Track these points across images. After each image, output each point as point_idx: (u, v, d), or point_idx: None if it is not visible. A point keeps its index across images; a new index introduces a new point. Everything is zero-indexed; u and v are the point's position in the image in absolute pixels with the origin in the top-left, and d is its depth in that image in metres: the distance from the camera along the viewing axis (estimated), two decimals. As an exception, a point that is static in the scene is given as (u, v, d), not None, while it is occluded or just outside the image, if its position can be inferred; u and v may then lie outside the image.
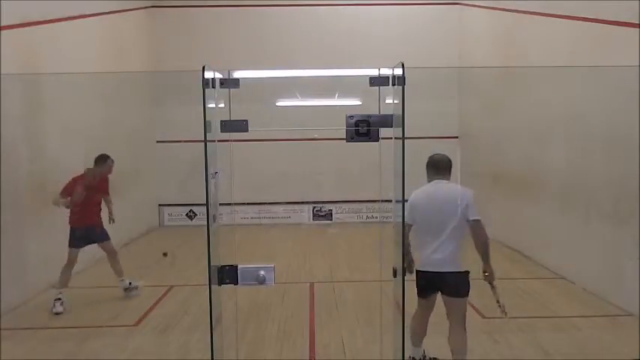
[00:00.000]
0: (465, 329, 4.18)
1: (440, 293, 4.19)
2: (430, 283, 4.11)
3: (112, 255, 6.68)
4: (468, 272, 4.12)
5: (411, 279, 2.89)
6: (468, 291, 4.15)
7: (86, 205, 6.28)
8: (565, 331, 5.27)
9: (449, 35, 12.27)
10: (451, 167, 4.19)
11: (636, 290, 5.38)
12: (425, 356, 4.43)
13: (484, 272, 4.19)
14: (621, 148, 5.90)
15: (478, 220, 4.02)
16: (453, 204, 4.02)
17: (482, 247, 4.13)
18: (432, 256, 4.06)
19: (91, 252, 8.49)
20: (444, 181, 4.14)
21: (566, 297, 6.29)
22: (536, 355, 4.71)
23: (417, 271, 4.14)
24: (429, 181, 4.17)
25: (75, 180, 6.22)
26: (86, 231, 6.35)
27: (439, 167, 4.15)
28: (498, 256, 8.75)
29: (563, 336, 5.15)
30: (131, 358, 4.79)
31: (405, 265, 4.10)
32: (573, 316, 5.69)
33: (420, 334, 4.41)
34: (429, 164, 4.19)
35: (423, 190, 4.16)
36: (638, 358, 4.45)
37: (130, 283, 6.72)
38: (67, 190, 6.14)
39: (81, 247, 6.35)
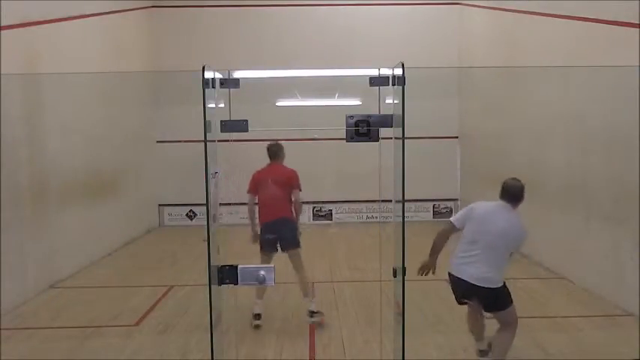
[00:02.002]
0: (511, 333, 4.23)
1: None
2: (467, 292, 4.27)
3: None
4: (504, 285, 4.23)
5: (411, 279, 2.89)
6: (511, 301, 4.23)
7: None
8: (565, 331, 5.27)
9: (449, 35, 12.27)
10: (523, 196, 4.33)
11: (636, 290, 5.38)
12: (490, 346, 4.43)
13: None
14: (621, 148, 5.90)
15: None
16: (516, 233, 4.20)
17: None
18: (476, 270, 4.20)
19: (90, 251, 8.52)
20: (511, 208, 4.27)
21: (566, 297, 6.29)
22: (536, 355, 4.71)
23: (454, 277, 4.35)
24: (499, 200, 4.30)
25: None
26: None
27: (511, 194, 4.28)
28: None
29: (563, 336, 5.15)
30: (131, 358, 4.79)
31: (429, 263, 4.24)
32: (573, 316, 5.69)
33: (476, 333, 4.50)
34: (504, 189, 4.32)
35: (489, 205, 4.31)
36: (638, 358, 4.45)
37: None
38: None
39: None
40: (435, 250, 4.36)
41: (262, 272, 2.66)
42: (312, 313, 5.47)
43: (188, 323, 5.65)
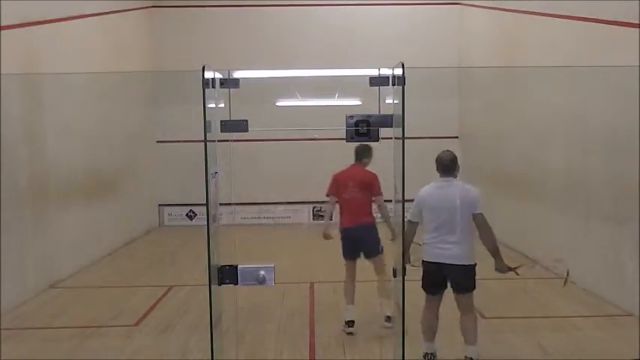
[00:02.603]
0: (475, 316, 4.35)
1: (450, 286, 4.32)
2: (439, 275, 4.23)
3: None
4: (475, 265, 4.27)
5: (411, 279, 2.90)
6: (475, 285, 4.28)
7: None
8: (565, 331, 5.27)
9: (449, 35, 12.26)
10: (457, 164, 4.33)
11: (636, 290, 5.38)
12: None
13: (496, 268, 4.33)
14: (621, 148, 5.90)
15: (481, 214, 4.20)
16: (462, 201, 4.18)
17: (489, 241, 4.27)
18: (445, 250, 4.20)
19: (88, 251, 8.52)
20: (452, 179, 4.29)
21: (566, 297, 6.29)
22: (536, 355, 4.71)
23: (426, 263, 4.24)
24: (439, 178, 4.31)
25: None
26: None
27: (446, 165, 4.28)
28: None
29: (563, 336, 5.14)
30: (131, 358, 4.79)
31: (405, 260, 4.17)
32: (573, 316, 5.69)
33: (432, 331, 4.49)
34: (437, 162, 4.31)
35: (432, 187, 4.31)
36: (638, 358, 4.45)
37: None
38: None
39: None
40: (406, 249, 4.24)
41: (262, 272, 2.67)
42: (388, 318, 5.16)
43: (188, 323, 5.65)
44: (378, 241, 5.35)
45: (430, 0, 12.38)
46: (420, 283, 4.30)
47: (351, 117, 2.79)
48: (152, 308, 6.20)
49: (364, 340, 5.07)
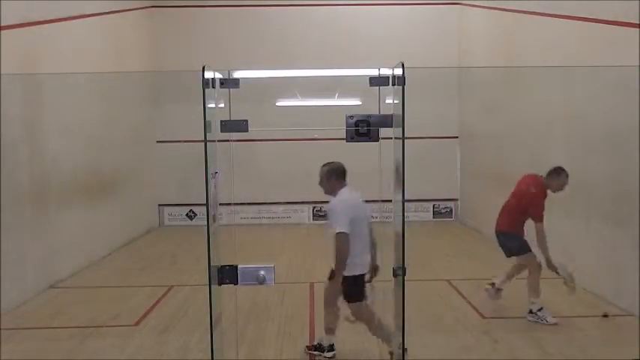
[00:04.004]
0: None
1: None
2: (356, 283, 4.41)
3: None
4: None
5: (411, 279, 2.89)
6: None
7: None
8: (565, 331, 5.27)
9: (449, 35, 12.27)
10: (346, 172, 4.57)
11: (636, 290, 5.38)
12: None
13: (375, 268, 4.59)
14: (621, 148, 5.90)
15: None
16: (368, 210, 4.49)
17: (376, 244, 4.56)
18: (366, 260, 4.44)
19: (87, 251, 8.52)
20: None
21: (566, 297, 6.28)
22: (536, 355, 4.71)
23: (357, 276, 4.36)
24: (341, 187, 4.46)
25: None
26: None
27: (345, 174, 4.49)
28: (499, 256, 8.76)
29: (563, 336, 5.14)
30: (131, 358, 4.79)
31: (341, 272, 4.26)
32: (573, 316, 5.69)
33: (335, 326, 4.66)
34: (340, 171, 4.49)
35: (350, 198, 4.41)
36: (638, 358, 4.45)
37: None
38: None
39: None
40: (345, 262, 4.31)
41: (262, 272, 2.67)
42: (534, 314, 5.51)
43: (188, 323, 5.65)
44: (513, 243, 5.73)
45: (430, 0, 12.38)
46: (352, 297, 4.41)
47: (351, 117, 2.79)
48: (152, 308, 6.20)
49: (364, 340, 5.07)
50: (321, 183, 4.49)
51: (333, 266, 4.35)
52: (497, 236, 5.84)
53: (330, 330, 4.65)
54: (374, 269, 4.54)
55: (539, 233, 5.42)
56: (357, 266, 4.34)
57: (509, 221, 5.73)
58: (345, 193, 4.41)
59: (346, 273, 4.32)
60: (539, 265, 5.62)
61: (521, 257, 5.71)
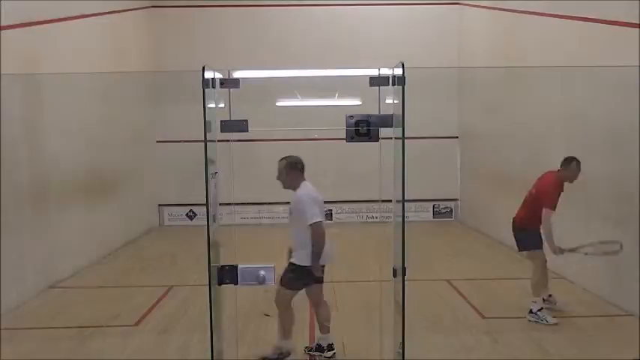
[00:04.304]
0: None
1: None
2: (311, 275, 4.49)
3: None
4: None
5: (411, 279, 2.89)
6: None
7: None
8: (565, 331, 5.27)
9: (449, 35, 12.27)
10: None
11: (636, 290, 5.38)
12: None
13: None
14: (621, 148, 5.90)
15: None
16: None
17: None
18: (331, 249, 4.58)
19: (86, 252, 8.52)
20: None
21: (566, 297, 6.29)
22: (536, 355, 4.71)
23: (303, 267, 4.43)
24: (302, 180, 4.54)
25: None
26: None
27: (303, 168, 4.54)
28: (499, 256, 8.78)
29: (563, 336, 5.15)
30: (131, 358, 4.79)
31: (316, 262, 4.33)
32: (573, 316, 5.69)
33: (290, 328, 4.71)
34: (299, 164, 4.53)
35: (312, 189, 4.53)
36: (638, 358, 4.45)
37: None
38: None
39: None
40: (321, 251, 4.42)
41: (262, 272, 2.67)
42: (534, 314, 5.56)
43: (188, 323, 5.65)
44: (525, 239, 5.78)
45: (430, 0, 12.38)
46: (286, 282, 4.47)
47: (351, 117, 2.79)
48: (152, 308, 6.20)
49: (364, 340, 5.07)
50: (279, 177, 4.52)
51: (293, 260, 4.47)
52: (515, 229, 5.88)
53: (325, 328, 4.70)
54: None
55: (545, 219, 5.46)
56: (309, 257, 4.39)
57: (525, 214, 5.76)
58: (308, 186, 4.49)
59: (296, 261, 4.42)
60: (545, 265, 5.67)
61: (530, 253, 5.77)
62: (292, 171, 4.50)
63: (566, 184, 5.66)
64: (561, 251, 5.50)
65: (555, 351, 4.76)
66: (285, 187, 4.59)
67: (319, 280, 4.55)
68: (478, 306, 6.07)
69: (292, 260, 4.47)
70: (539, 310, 5.50)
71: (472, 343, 5.01)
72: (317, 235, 4.33)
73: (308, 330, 5.41)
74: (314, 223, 4.32)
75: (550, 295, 5.84)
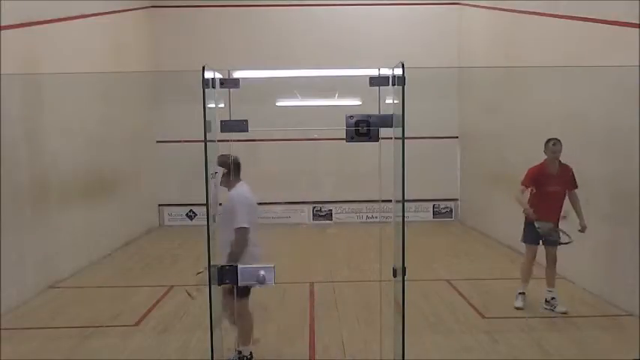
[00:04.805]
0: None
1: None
2: None
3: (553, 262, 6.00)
4: None
5: (411, 279, 2.89)
6: None
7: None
8: (565, 331, 5.27)
9: (449, 35, 12.27)
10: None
11: (636, 290, 5.38)
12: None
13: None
14: (621, 148, 5.90)
15: None
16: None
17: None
18: (258, 253, 4.50)
19: (85, 252, 8.52)
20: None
21: (566, 297, 6.29)
22: (536, 355, 4.71)
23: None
24: (238, 181, 4.47)
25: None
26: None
27: (240, 168, 4.50)
28: (499, 256, 8.79)
29: (563, 336, 5.15)
30: (131, 358, 4.79)
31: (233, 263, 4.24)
32: (573, 316, 5.69)
33: (249, 328, 4.64)
34: (235, 165, 4.44)
35: (245, 189, 4.46)
36: (638, 358, 4.45)
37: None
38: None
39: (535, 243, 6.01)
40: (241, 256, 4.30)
41: (262, 272, 2.67)
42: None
43: (188, 323, 5.65)
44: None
45: (430, 0, 12.38)
46: (243, 290, 4.36)
47: (351, 117, 2.79)
48: (152, 308, 6.20)
49: (364, 341, 5.08)
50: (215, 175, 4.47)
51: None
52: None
53: (249, 340, 4.59)
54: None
55: (516, 190, 5.97)
56: (253, 259, 4.36)
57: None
58: (244, 187, 4.43)
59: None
60: (528, 260, 6.05)
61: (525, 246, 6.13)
62: (231, 170, 4.43)
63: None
64: (534, 216, 5.77)
65: (555, 351, 4.76)
66: (220, 184, 4.49)
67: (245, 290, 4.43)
68: (478, 306, 6.07)
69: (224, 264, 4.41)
70: (552, 299, 5.90)
71: (472, 343, 5.01)
72: (238, 241, 4.24)
73: (308, 330, 5.41)
74: (239, 228, 4.22)
75: (553, 299, 5.90)
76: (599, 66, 5.99)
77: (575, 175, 5.83)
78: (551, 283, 5.96)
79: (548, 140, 5.87)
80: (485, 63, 10.65)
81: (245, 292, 4.42)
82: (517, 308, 5.93)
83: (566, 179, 5.82)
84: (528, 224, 5.91)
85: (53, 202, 7.29)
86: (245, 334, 4.54)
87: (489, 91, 10.49)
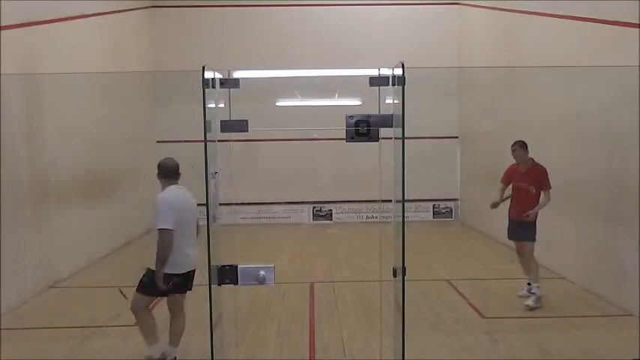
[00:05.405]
0: (184, 317, 4.68)
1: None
2: (188, 280, 4.48)
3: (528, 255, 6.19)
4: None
5: (411, 279, 2.89)
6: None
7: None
8: (565, 331, 5.27)
9: (449, 35, 12.27)
10: (179, 173, 4.54)
11: (636, 290, 5.38)
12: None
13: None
14: (621, 148, 5.90)
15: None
16: (196, 207, 4.49)
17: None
18: (193, 258, 4.46)
19: (86, 250, 8.51)
20: (179, 184, 4.47)
21: (566, 297, 6.29)
22: (536, 355, 4.71)
23: (178, 274, 4.38)
24: (169, 185, 4.40)
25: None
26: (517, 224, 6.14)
27: (175, 172, 4.45)
28: (498, 257, 8.78)
29: (563, 336, 5.14)
30: (131, 358, 4.79)
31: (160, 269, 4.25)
32: (573, 316, 5.69)
33: (156, 329, 4.63)
34: (166, 168, 4.42)
35: (174, 194, 4.38)
36: (638, 358, 4.45)
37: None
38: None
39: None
40: (166, 259, 4.31)
41: (262, 272, 2.67)
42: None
43: (188, 323, 5.63)
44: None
45: (430, 0, 12.38)
46: (142, 287, 4.47)
47: (351, 117, 2.79)
48: (152, 308, 6.18)
49: (364, 341, 5.08)
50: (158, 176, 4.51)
51: (151, 265, 4.42)
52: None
53: (175, 341, 4.61)
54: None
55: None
56: (176, 265, 4.36)
57: None
58: (171, 191, 4.38)
59: (152, 265, 4.36)
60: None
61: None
62: (160, 174, 4.44)
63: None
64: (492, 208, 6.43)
65: (556, 351, 4.76)
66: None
67: (178, 290, 4.46)
68: (478, 306, 6.07)
69: (150, 265, 4.39)
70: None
71: (472, 343, 5.01)
72: (160, 243, 4.22)
73: (308, 330, 5.41)
74: (160, 229, 4.19)
75: (529, 284, 6.15)
76: (599, 66, 5.98)
77: (549, 177, 6.01)
78: (526, 272, 6.25)
79: (515, 143, 6.26)
80: (485, 63, 10.65)
81: (179, 288, 4.44)
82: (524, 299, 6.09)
83: (536, 178, 6.01)
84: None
85: (53, 202, 7.29)
86: (174, 335, 4.57)
87: (489, 91, 10.49)
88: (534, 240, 6.08)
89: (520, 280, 6.44)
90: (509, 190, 6.43)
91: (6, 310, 5.91)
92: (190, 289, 4.54)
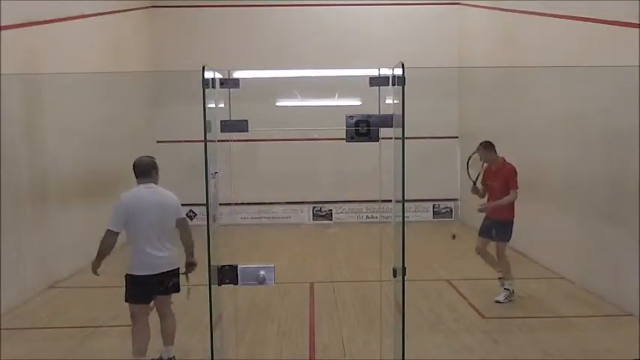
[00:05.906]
0: (173, 320, 4.63)
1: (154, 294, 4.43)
2: (150, 285, 4.31)
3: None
4: (178, 268, 4.47)
5: (411, 279, 2.89)
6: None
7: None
8: (565, 331, 5.27)
9: (449, 35, 12.27)
10: (157, 169, 4.46)
11: (636, 290, 5.38)
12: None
13: (188, 264, 4.48)
14: (621, 148, 5.90)
15: (184, 218, 4.57)
16: (168, 206, 4.36)
17: (189, 243, 4.54)
18: (160, 260, 4.32)
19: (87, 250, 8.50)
20: (154, 185, 4.37)
21: (566, 297, 6.29)
22: (536, 355, 4.71)
23: (138, 276, 4.30)
24: (140, 184, 4.35)
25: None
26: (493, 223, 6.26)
27: (145, 170, 4.35)
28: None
29: (563, 336, 5.15)
30: (131, 358, 4.78)
31: (94, 266, 4.28)
32: (573, 316, 5.69)
33: (146, 341, 4.45)
34: (136, 168, 4.36)
35: (134, 195, 4.32)
36: (638, 358, 4.45)
37: None
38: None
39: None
40: (103, 256, 4.33)
41: (262, 272, 2.67)
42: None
43: (188, 323, 5.64)
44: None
45: (430, 0, 12.38)
46: (125, 296, 4.35)
47: (351, 117, 2.79)
48: (152, 308, 6.18)
49: (364, 341, 5.08)
50: None
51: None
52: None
53: (168, 340, 4.59)
54: (189, 265, 4.51)
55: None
56: (136, 266, 4.33)
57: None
58: (131, 191, 4.35)
59: (127, 270, 4.36)
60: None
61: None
62: (134, 173, 4.40)
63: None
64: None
65: (555, 351, 4.76)
66: None
67: (162, 292, 4.42)
68: (478, 306, 6.07)
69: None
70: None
71: (472, 343, 5.01)
72: (101, 242, 4.29)
73: (308, 330, 5.41)
74: (107, 229, 4.26)
75: (500, 278, 6.23)
76: (599, 66, 5.98)
77: (517, 177, 6.12)
78: (495, 268, 6.32)
79: (481, 144, 6.39)
80: (485, 63, 10.65)
81: (129, 297, 4.38)
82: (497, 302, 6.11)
83: (504, 177, 6.12)
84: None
85: (53, 202, 7.29)
86: (167, 335, 4.55)
87: (489, 91, 10.49)
88: (509, 241, 6.18)
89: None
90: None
91: (6, 310, 5.91)
92: (178, 291, 4.46)
